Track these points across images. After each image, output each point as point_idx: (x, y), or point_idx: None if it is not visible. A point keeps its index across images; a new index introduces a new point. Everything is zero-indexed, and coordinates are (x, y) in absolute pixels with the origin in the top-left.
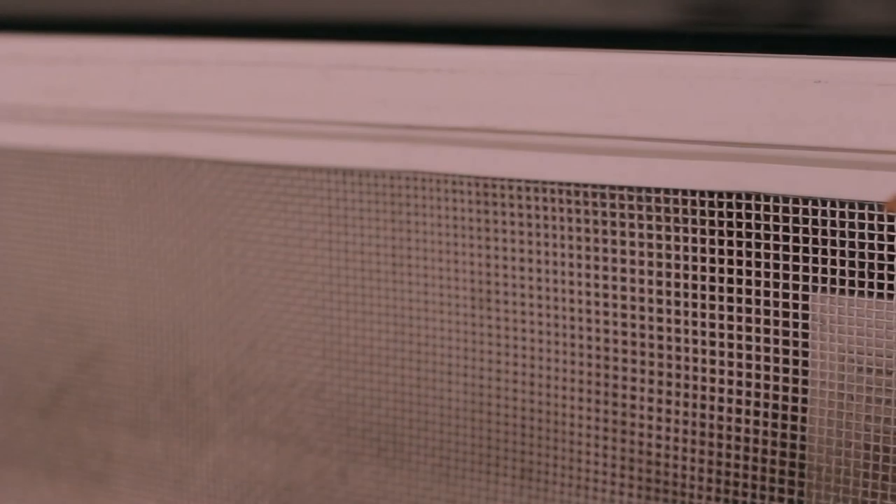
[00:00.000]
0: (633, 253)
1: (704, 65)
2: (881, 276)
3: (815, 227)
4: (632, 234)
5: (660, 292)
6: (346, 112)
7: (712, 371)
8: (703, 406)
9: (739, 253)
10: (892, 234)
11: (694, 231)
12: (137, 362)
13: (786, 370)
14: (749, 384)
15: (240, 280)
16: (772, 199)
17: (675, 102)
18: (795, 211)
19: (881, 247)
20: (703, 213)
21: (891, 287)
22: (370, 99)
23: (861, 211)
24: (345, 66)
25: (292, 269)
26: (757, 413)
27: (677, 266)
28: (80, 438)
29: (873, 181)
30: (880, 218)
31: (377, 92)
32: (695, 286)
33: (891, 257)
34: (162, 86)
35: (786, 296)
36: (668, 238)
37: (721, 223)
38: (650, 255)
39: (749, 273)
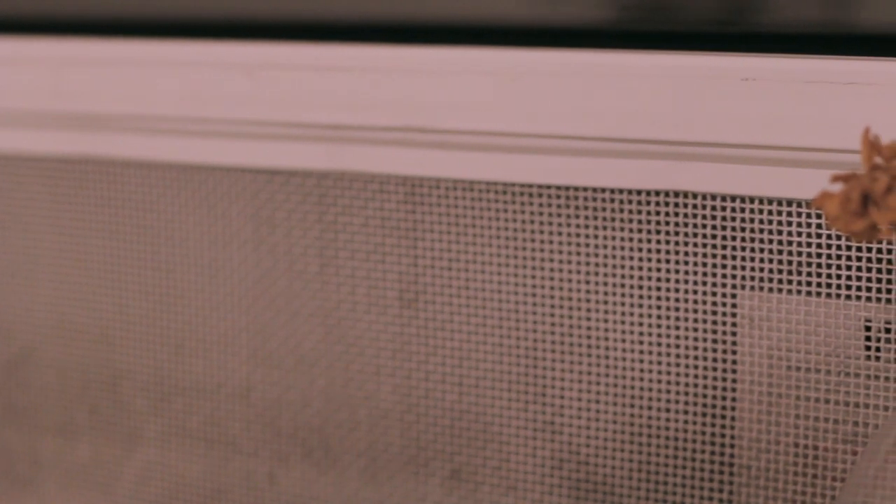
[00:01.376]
0: (560, 252)
1: (632, 63)
2: (809, 274)
3: (743, 225)
4: (559, 234)
5: (588, 291)
6: (272, 112)
7: (641, 370)
8: (632, 405)
9: (667, 251)
10: (819, 231)
11: (622, 229)
12: (64, 366)
13: (714, 368)
14: (678, 383)
15: (166, 282)
16: (700, 198)
17: (602, 101)
18: (723, 209)
19: (809, 244)
20: (630, 211)
21: (819, 285)
22: (296, 99)
23: (789, 209)
24: (270, 65)
25: (219, 271)
26: (686, 412)
27: (605, 265)
28: (6, 443)
29: (801, 179)
30: (808, 216)
31: (303, 92)
32: (623, 285)
33: (818, 255)
34: (86, 86)
35: (714, 294)
36: (596, 237)
37: (649, 221)
38: (578, 253)
39: (677, 271)
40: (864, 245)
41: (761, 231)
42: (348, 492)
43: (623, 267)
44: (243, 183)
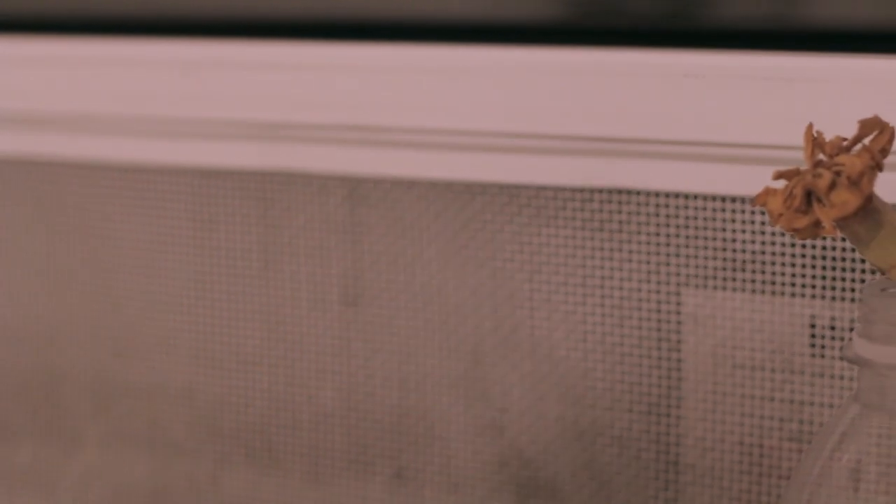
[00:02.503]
0: (503, 251)
1: (575, 60)
2: (753, 272)
3: (686, 222)
4: (502, 232)
5: (531, 290)
6: (211, 111)
7: (585, 369)
8: (576, 404)
9: (611, 249)
10: (763, 228)
11: (564, 227)
12: (3, 368)
13: (659, 367)
14: (622, 381)
15: (107, 283)
16: (643, 195)
17: (544, 98)
18: (666, 206)
19: (753, 242)
20: (573, 209)
21: (763, 282)
22: (235, 97)
23: (733, 206)
24: (209, 64)
25: (159, 272)
26: (631, 410)
27: (548, 263)
28: None
29: (745, 176)
30: (752, 213)
31: (242, 90)
32: (566, 283)
33: (763, 252)
34: (20, 85)
35: (658, 292)
36: (539, 235)
37: (592, 219)
38: (520, 252)
39: (621, 269)
40: (808, 242)
41: (705, 228)
42: (291, 493)
43: (566, 265)
44: (183, 183)
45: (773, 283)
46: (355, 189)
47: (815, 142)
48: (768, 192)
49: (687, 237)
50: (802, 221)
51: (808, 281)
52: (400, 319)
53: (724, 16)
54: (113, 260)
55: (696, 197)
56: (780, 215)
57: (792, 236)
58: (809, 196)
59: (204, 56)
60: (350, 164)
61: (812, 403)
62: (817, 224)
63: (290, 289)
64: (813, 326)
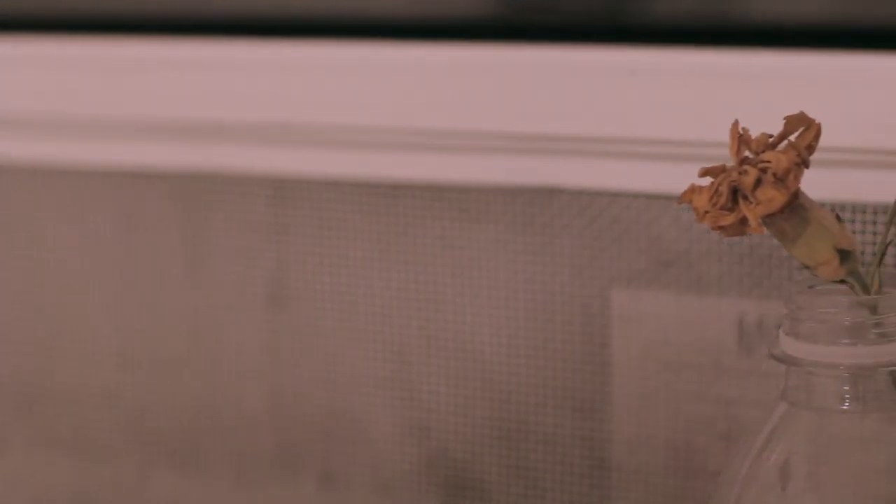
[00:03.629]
0: (429, 251)
1: (499, 58)
2: (681, 271)
3: (613, 221)
4: (428, 232)
5: (457, 290)
6: (132, 111)
7: (512, 369)
8: (503, 404)
9: (537, 249)
10: (690, 227)
11: (490, 227)
12: None
13: (587, 366)
14: (550, 381)
15: (31, 287)
16: (569, 194)
17: (470, 95)
18: (592, 205)
19: (680, 240)
20: (499, 208)
21: (690, 281)
22: (158, 97)
23: (659, 204)
24: (131, 63)
25: (84, 275)
26: (558, 410)
27: (474, 263)
28: None
29: (670, 173)
30: (679, 211)
31: (165, 89)
32: (492, 283)
33: (690, 251)
34: None
35: (585, 291)
36: (464, 235)
37: (519, 219)
38: (447, 252)
39: (547, 269)
40: (735, 240)
41: (631, 227)
42: (218, 496)
43: (492, 265)
44: (106, 185)
45: (701, 281)
46: (279, 189)
47: (741, 139)
48: (694, 189)
49: (613, 236)
50: (728, 219)
51: (735, 279)
52: (326, 321)
53: (652, 13)
54: (36, 263)
55: (621, 195)
56: (706, 213)
57: (719, 234)
58: (735, 193)
59: (125, 55)
60: (274, 164)
61: (740, 402)
62: (743, 221)
63: (216, 291)
64: (741, 324)
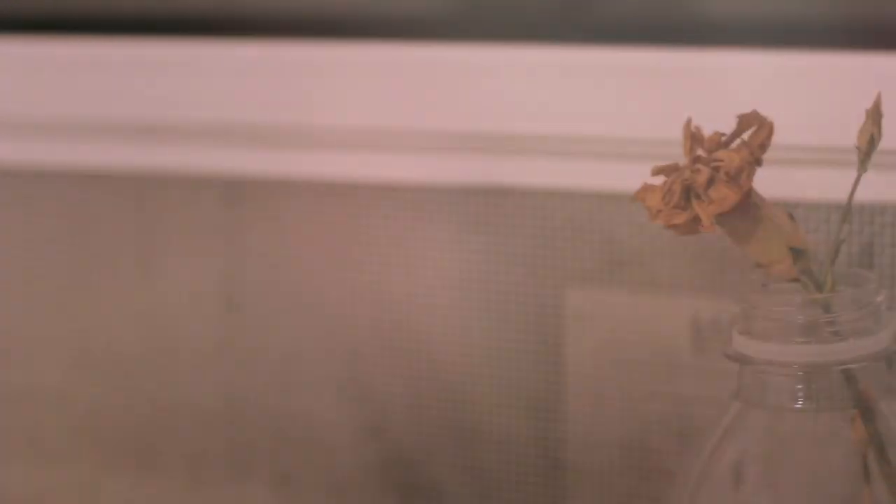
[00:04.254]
0: (383, 251)
1: (450, 56)
2: (634, 270)
3: (566, 220)
4: (381, 232)
5: (411, 291)
6: (86, 111)
7: (466, 369)
8: (458, 405)
9: (491, 249)
10: (644, 225)
11: (444, 227)
12: None
13: (541, 366)
14: (504, 381)
15: None
16: (522, 194)
17: (427, 94)
18: (546, 205)
19: (633, 239)
20: (452, 208)
21: (644, 280)
22: (110, 97)
23: (613, 203)
24: (83, 62)
25: (36, 275)
26: (512, 411)
27: (428, 264)
28: None
29: (625, 173)
30: (632, 210)
31: (117, 89)
32: (447, 284)
33: (643, 249)
34: None
35: (539, 291)
36: (417, 235)
37: (473, 218)
38: (401, 252)
39: (501, 268)
40: (689, 239)
41: (586, 227)
42: (173, 497)
43: (446, 265)
44: (60, 185)
45: (655, 280)
46: (232, 189)
47: (693, 137)
48: (647, 188)
49: (567, 235)
50: (681, 217)
51: (689, 278)
52: (279, 321)
53: (608, 11)
54: None
55: (575, 194)
56: (659, 211)
57: (672, 233)
58: (688, 192)
59: (76, 55)
60: (226, 164)
61: (695, 400)
62: (696, 220)
63: (169, 292)
64: (695, 323)
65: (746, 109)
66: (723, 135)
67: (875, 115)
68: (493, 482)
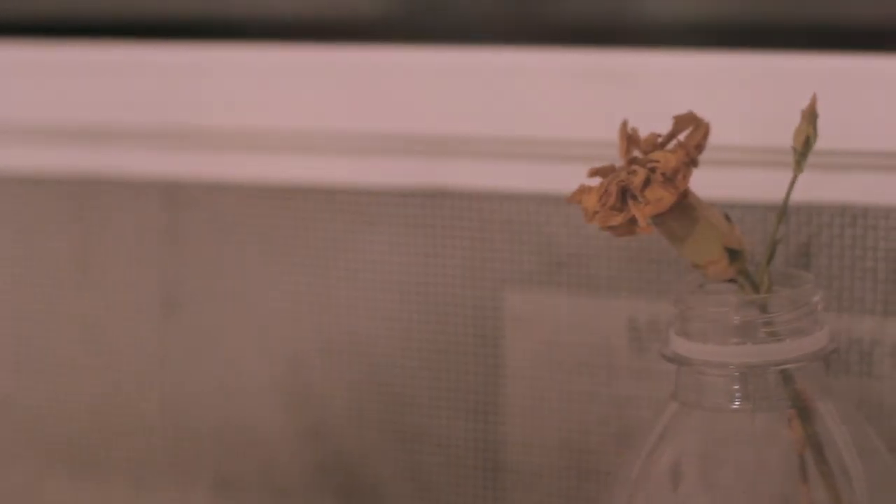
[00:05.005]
0: (322, 253)
1: (392, 58)
2: (573, 271)
3: (505, 222)
4: (322, 235)
5: (351, 293)
6: (25, 114)
7: (406, 371)
8: (398, 408)
9: (429, 251)
10: (582, 227)
11: (384, 229)
12: None
13: (481, 369)
14: (444, 384)
15: None
16: (461, 196)
17: (364, 97)
18: (483, 207)
19: (571, 240)
20: (392, 210)
21: (582, 281)
22: (50, 101)
23: (550, 205)
24: (24, 65)
25: None
26: (453, 413)
27: (368, 266)
28: None
29: (563, 174)
30: (570, 211)
31: (57, 93)
32: (387, 286)
33: (581, 251)
34: None
35: (478, 293)
36: (358, 237)
37: (411, 221)
38: (340, 255)
39: (441, 270)
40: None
41: (524, 228)
42: (114, 502)
43: (385, 268)
44: None
45: (593, 281)
46: (172, 193)
47: (629, 138)
48: (583, 189)
49: (505, 237)
50: (618, 219)
51: (627, 279)
52: (220, 325)
53: (548, 13)
54: None
55: (513, 196)
56: (596, 213)
57: (609, 234)
58: (625, 193)
59: (15, 59)
60: (166, 168)
61: (633, 402)
62: (633, 221)
63: (109, 296)
64: (633, 325)
65: (683, 110)
66: (659, 136)
67: (810, 115)
68: (432, 484)
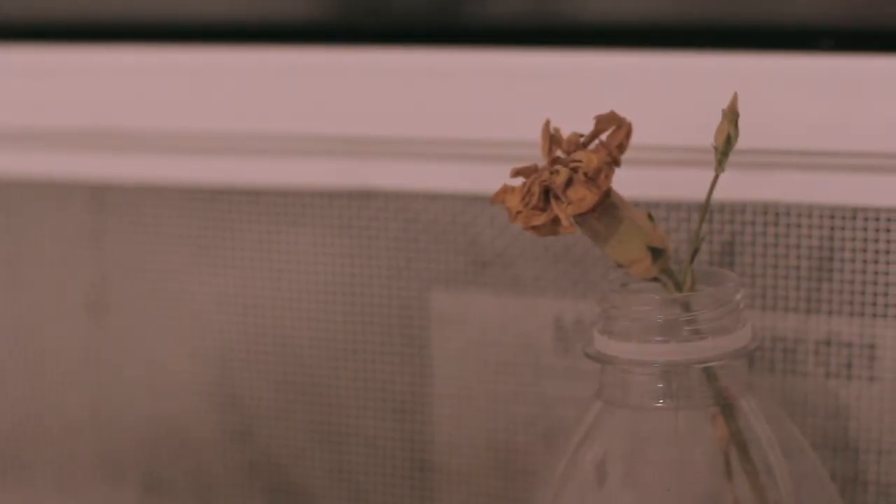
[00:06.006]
0: (248, 254)
1: (317, 60)
2: (498, 271)
3: (430, 222)
4: (247, 236)
5: (278, 294)
6: None
7: (333, 372)
8: (325, 408)
9: (356, 252)
10: (507, 227)
11: (309, 230)
12: None
13: (407, 369)
14: (371, 384)
15: None
16: (386, 197)
17: (289, 98)
18: (409, 207)
19: (497, 241)
20: (318, 211)
21: (508, 281)
22: None
23: (476, 205)
24: None
25: None
26: (380, 413)
27: (294, 267)
28: None
29: (488, 174)
30: (495, 211)
31: None
32: (313, 287)
33: (507, 251)
34: None
35: (404, 293)
36: (275, 238)
37: (336, 222)
38: (266, 255)
39: (367, 271)
40: (552, 240)
41: (450, 228)
42: None
43: (311, 268)
44: None
45: (519, 281)
46: (98, 196)
47: (552, 138)
48: (506, 189)
49: (430, 237)
50: (540, 218)
51: (552, 279)
52: (147, 327)
53: (473, 15)
54: None
55: (438, 196)
56: (519, 213)
57: (533, 234)
58: (547, 193)
59: None
60: (92, 171)
61: (560, 401)
62: (556, 221)
63: (36, 298)
64: (559, 324)
65: (605, 110)
66: (581, 136)
67: (731, 114)
68: (360, 484)
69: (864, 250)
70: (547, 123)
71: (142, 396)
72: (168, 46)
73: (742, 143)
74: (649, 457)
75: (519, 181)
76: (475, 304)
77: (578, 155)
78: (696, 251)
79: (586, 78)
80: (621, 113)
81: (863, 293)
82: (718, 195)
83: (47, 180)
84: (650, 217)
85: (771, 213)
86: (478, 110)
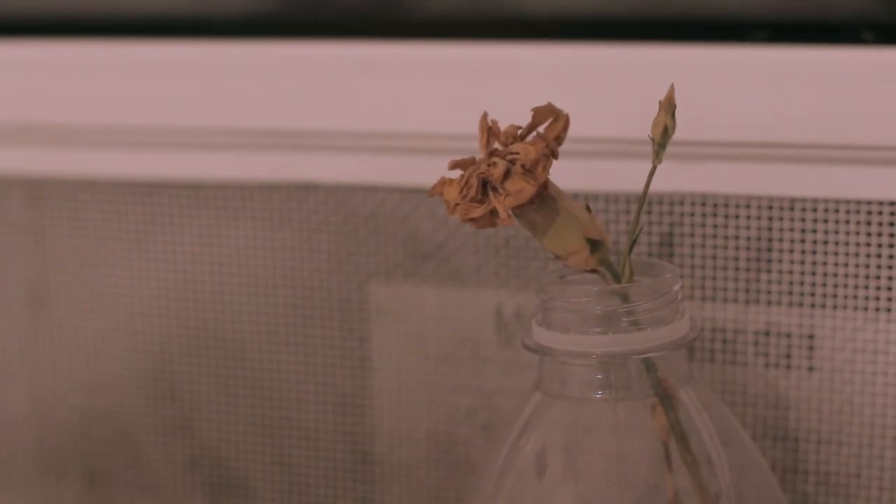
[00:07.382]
0: (188, 249)
1: (259, 53)
2: (438, 264)
3: (369, 215)
4: (186, 230)
5: (217, 288)
6: None
7: (274, 365)
8: (266, 401)
9: (296, 245)
10: (446, 219)
11: (249, 223)
12: None
13: (347, 362)
14: (312, 377)
15: None
16: (325, 190)
17: (228, 92)
18: (347, 200)
19: (437, 233)
20: (257, 205)
21: (448, 274)
22: None
23: (414, 197)
24: None
25: None
26: (321, 406)
27: (234, 261)
28: None
29: (426, 167)
30: (434, 204)
31: None
32: (253, 281)
33: (446, 243)
34: None
35: (345, 287)
36: (215, 232)
37: (276, 215)
38: (206, 250)
39: (307, 265)
40: (491, 232)
41: (390, 221)
42: None
43: (251, 262)
44: None
45: (458, 274)
46: (35, 190)
47: (489, 131)
48: (445, 182)
49: (370, 230)
50: (478, 211)
51: (492, 270)
52: (86, 321)
53: (415, 7)
54: None
55: (377, 189)
56: (457, 205)
57: (471, 226)
58: (485, 185)
59: None
60: (28, 165)
61: (500, 393)
62: (494, 213)
63: None
64: (499, 316)
65: (543, 102)
66: (519, 128)
67: (668, 106)
68: (301, 477)
69: (803, 241)
70: (484, 116)
71: (81, 390)
72: (107, 40)
73: (679, 134)
74: (589, 448)
75: (457, 174)
76: (415, 297)
77: (516, 147)
78: (633, 242)
79: (524, 70)
80: (559, 105)
81: (801, 283)
82: (656, 186)
83: None
84: (588, 209)
85: (709, 203)
86: (415, 103)
